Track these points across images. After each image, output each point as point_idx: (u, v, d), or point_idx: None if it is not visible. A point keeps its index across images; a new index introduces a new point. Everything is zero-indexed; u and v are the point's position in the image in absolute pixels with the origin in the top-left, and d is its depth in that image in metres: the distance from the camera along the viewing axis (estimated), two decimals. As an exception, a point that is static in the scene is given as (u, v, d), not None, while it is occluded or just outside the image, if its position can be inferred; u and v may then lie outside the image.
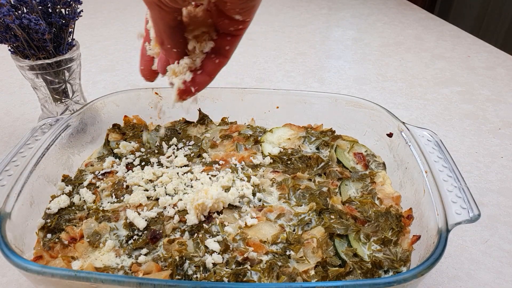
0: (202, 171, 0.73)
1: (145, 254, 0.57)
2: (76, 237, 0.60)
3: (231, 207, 0.65)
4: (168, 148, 0.80)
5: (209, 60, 0.46)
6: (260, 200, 0.67)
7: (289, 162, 0.76)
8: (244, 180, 0.71)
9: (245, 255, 0.56)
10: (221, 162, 0.76)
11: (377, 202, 0.68)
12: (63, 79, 0.89)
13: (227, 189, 0.68)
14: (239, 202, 0.66)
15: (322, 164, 0.75)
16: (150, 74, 0.52)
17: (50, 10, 0.84)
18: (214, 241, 0.58)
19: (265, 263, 0.56)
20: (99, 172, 0.73)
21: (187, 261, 0.55)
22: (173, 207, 0.65)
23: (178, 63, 0.46)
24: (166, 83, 0.50)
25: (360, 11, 2.05)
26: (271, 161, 0.76)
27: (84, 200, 0.67)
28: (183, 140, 0.82)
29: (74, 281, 0.45)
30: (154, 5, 0.40)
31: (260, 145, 0.81)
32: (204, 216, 0.63)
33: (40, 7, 0.82)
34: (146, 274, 0.54)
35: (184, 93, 0.47)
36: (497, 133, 1.04)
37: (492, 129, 1.06)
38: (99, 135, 0.83)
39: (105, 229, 0.61)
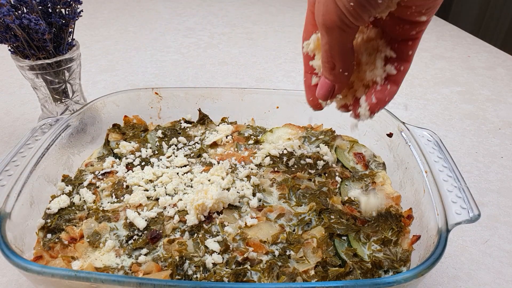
0: (202, 171, 0.73)
1: (145, 254, 0.57)
2: (76, 237, 0.60)
3: (231, 207, 0.65)
4: (168, 148, 0.80)
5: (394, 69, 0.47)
6: (260, 200, 0.67)
7: (289, 162, 0.76)
8: (244, 180, 0.71)
9: (245, 255, 0.56)
10: (220, 162, 0.76)
11: (377, 202, 0.68)
12: (63, 79, 0.89)
13: (227, 189, 0.68)
14: (239, 202, 0.66)
15: (322, 164, 0.75)
16: (320, 104, 0.54)
17: (50, 10, 0.84)
18: (214, 241, 0.58)
19: (265, 263, 0.56)
20: (99, 172, 0.73)
21: (187, 261, 0.55)
22: (173, 207, 0.65)
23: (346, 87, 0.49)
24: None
25: (360, 11, 2.04)
26: (271, 162, 0.76)
27: (84, 200, 0.67)
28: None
29: (74, 281, 0.45)
30: (335, 28, 0.41)
31: (260, 145, 0.81)
32: (204, 216, 0.63)
33: (40, 7, 0.82)
34: (146, 274, 0.54)
35: (377, 106, 0.47)
36: (497, 133, 1.04)
37: (492, 129, 1.06)
38: (99, 135, 0.83)
39: (105, 229, 0.61)
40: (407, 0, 0.41)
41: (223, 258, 0.56)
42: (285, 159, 0.76)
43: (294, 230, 0.62)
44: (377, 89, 0.47)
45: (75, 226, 0.62)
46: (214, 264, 0.55)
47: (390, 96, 0.47)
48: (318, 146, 0.80)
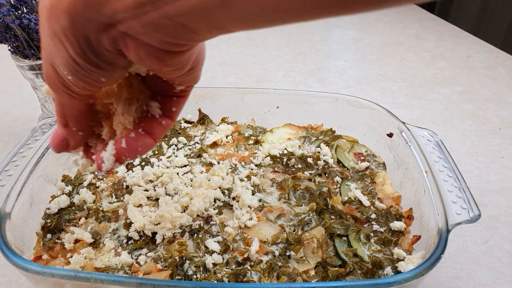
0: (202, 171, 0.73)
1: (145, 254, 0.57)
2: (76, 237, 0.60)
3: (231, 207, 0.65)
4: (168, 148, 0.80)
5: (155, 122, 0.42)
6: (260, 200, 0.67)
7: (289, 162, 0.76)
8: (244, 180, 0.71)
9: (245, 255, 0.56)
10: (221, 162, 0.76)
11: (377, 202, 0.67)
12: (63, 79, 0.89)
13: (227, 189, 0.68)
14: (237, 202, 0.66)
15: (322, 164, 0.75)
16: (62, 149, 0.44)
17: (50, 10, 0.84)
18: (214, 241, 0.58)
19: (265, 263, 0.56)
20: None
21: (187, 261, 0.55)
22: (173, 207, 0.65)
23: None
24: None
25: (360, 11, 2.04)
26: (271, 162, 0.76)
27: (84, 200, 0.67)
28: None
29: (74, 281, 0.45)
30: (62, 92, 0.34)
31: (260, 145, 0.81)
32: (204, 217, 0.63)
33: (40, 7, 0.82)
34: (146, 274, 0.54)
35: (126, 153, 0.41)
36: (497, 133, 1.04)
37: (492, 129, 1.06)
38: (99, 135, 0.83)
39: (105, 229, 0.61)
40: (152, 75, 0.36)
41: (223, 258, 0.56)
42: (285, 159, 0.76)
43: (294, 230, 0.62)
44: (130, 136, 0.41)
45: (75, 226, 0.62)
46: (214, 264, 0.55)
47: (143, 148, 0.42)
48: (318, 146, 0.80)
